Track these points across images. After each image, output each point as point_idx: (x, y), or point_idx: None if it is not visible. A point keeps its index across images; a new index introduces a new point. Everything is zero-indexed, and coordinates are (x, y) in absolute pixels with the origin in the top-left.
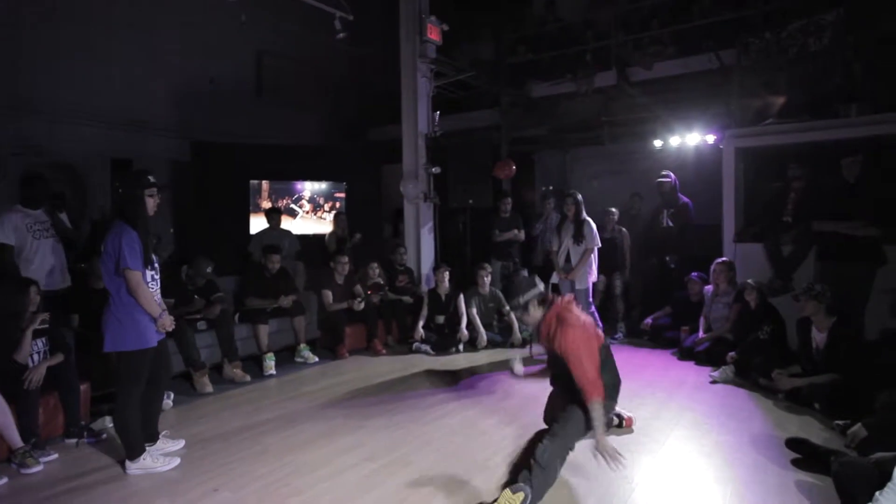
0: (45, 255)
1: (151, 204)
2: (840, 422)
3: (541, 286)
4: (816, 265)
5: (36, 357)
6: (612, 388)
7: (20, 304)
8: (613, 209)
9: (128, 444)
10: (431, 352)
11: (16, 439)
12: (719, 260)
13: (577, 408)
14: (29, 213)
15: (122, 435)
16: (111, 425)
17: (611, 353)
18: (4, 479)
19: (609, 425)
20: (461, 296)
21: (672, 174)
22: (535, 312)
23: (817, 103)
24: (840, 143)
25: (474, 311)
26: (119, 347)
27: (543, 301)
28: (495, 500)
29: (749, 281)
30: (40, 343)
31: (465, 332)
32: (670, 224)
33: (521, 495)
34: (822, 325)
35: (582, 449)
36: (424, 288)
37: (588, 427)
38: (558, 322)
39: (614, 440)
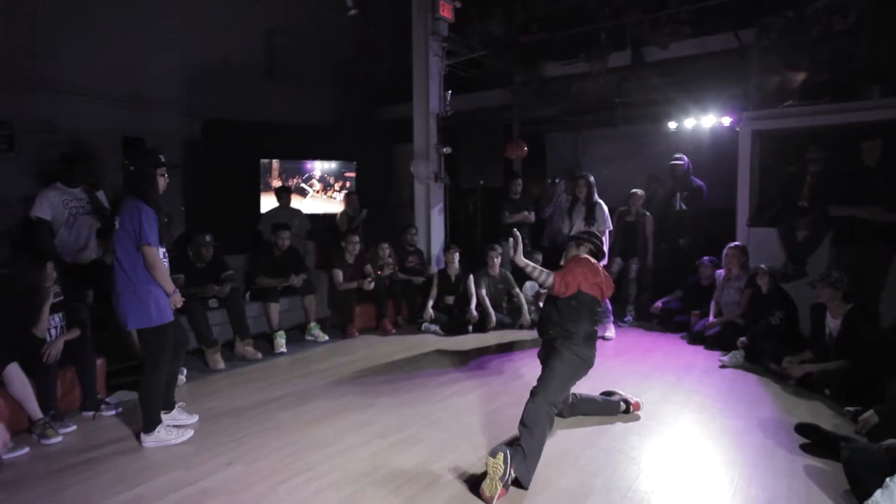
0: (80, 231)
1: (162, 183)
2: (851, 408)
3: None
4: (831, 251)
5: (53, 332)
6: (588, 337)
7: (37, 279)
8: (639, 191)
9: (147, 416)
10: (441, 332)
11: (36, 411)
12: (732, 244)
13: (555, 365)
14: (67, 191)
15: (145, 406)
16: (128, 398)
17: (598, 309)
18: (26, 449)
19: (615, 412)
20: (471, 277)
21: (685, 157)
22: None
23: (839, 85)
24: (861, 126)
25: (484, 292)
26: (143, 325)
27: (591, 252)
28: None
29: (762, 266)
30: (57, 318)
31: (475, 312)
32: (683, 207)
33: (500, 456)
34: (836, 312)
35: (592, 429)
36: (434, 269)
37: (569, 382)
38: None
39: (621, 425)
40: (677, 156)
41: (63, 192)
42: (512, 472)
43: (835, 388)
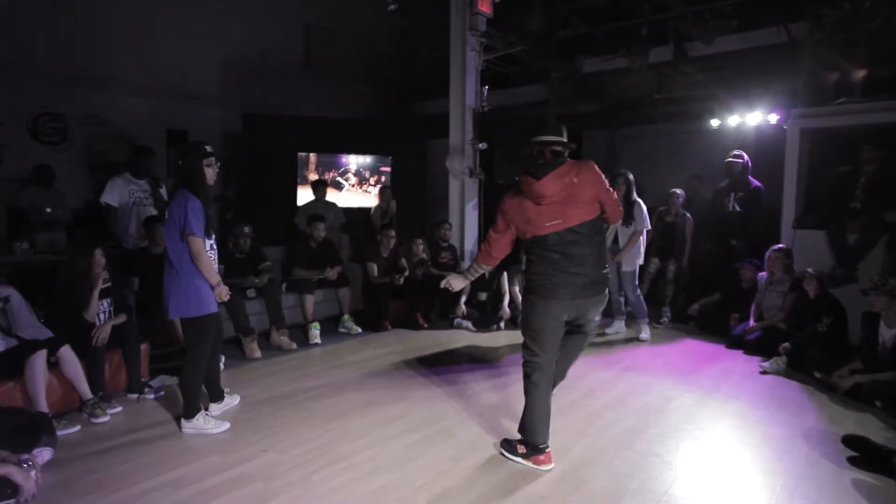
0: (141, 221)
1: (210, 174)
2: None
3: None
4: (886, 256)
5: (102, 316)
6: (535, 273)
7: (87, 265)
8: (679, 191)
9: (187, 403)
10: (473, 328)
11: (86, 391)
12: (775, 247)
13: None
14: (134, 181)
15: (186, 393)
16: (169, 383)
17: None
18: (77, 427)
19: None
20: (504, 273)
21: (745, 154)
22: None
23: None
24: None
25: (517, 288)
26: (184, 314)
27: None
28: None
29: (809, 269)
30: (105, 303)
31: (507, 309)
32: (737, 209)
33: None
34: (892, 322)
35: (627, 431)
36: (467, 264)
37: (528, 320)
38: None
39: (657, 429)
40: (735, 152)
41: (130, 181)
42: (508, 454)
43: (887, 400)
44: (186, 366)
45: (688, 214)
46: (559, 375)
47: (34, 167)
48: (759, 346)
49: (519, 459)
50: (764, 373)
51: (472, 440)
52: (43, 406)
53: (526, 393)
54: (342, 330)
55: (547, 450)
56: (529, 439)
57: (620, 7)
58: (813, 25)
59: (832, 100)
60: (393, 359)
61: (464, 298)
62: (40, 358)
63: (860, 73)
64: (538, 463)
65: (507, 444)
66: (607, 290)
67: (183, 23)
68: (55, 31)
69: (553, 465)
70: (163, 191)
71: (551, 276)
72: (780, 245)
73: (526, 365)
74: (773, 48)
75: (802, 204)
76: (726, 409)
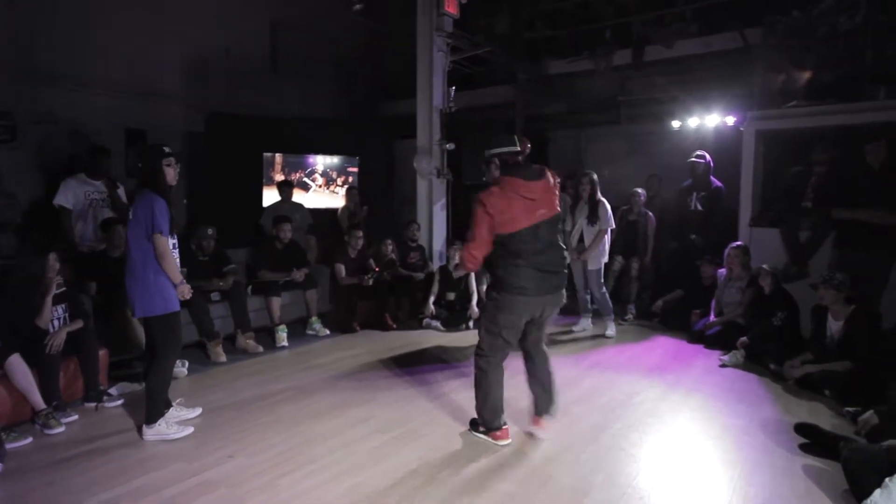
0: (97, 223)
1: (171, 174)
2: (851, 409)
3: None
4: (834, 252)
5: (56, 323)
6: (500, 278)
7: (39, 269)
8: (640, 190)
9: (152, 407)
10: (442, 328)
11: (39, 401)
12: (734, 244)
13: (482, 311)
14: (89, 182)
15: (151, 396)
16: (129, 390)
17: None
18: (29, 439)
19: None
20: (472, 273)
21: (707, 154)
22: (494, 173)
23: (844, 85)
24: (866, 127)
25: (485, 288)
26: (149, 313)
27: (506, 163)
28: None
29: (764, 266)
30: (60, 309)
31: (476, 309)
32: (699, 208)
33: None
34: (839, 314)
35: (593, 427)
36: (436, 265)
37: (494, 316)
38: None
39: (622, 423)
40: (698, 153)
41: (86, 183)
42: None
43: (835, 388)
44: (154, 366)
45: (650, 213)
46: (542, 359)
47: None
48: (718, 341)
49: (480, 436)
50: (723, 366)
51: (440, 440)
52: None
53: (480, 385)
54: (310, 332)
55: (504, 426)
56: (487, 426)
57: (585, 10)
58: (766, 31)
59: (785, 103)
60: (362, 360)
61: (432, 299)
62: None
63: (808, 77)
64: (496, 438)
65: (473, 423)
66: (564, 290)
67: (145, 18)
68: (4, 25)
69: (510, 440)
70: (120, 192)
71: (521, 273)
72: (739, 243)
73: (482, 358)
74: (730, 52)
75: (759, 203)
76: (688, 402)
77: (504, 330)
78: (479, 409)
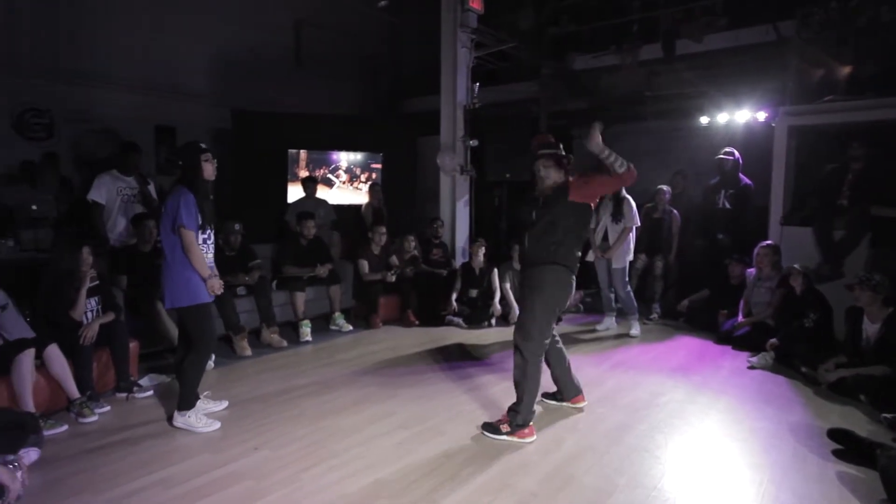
0: (128, 218)
1: (210, 169)
2: (889, 415)
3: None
4: (870, 252)
5: (90, 315)
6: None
7: (74, 263)
8: (665, 187)
9: (184, 395)
10: (464, 325)
11: (74, 391)
12: (764, 243)
13: (525, 304)
14: (121, 178)
15: (184, 384)
16: (159, 381)
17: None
18: (65, 427)
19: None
20: (495, 270)
21: (736, 152)
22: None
23: (884, 78)
24: None
25: (508, 285)
26: (175, 304)
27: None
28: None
29: (795, 266)
30: (93, 301)
31: (498, 306)
32: (727, 206)
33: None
34: (875, 317)
35: (617, 427)
36: (459, 261)
37: (552, 294)
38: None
39: (647, 424)
40: (727, 149)
41: (118, 178)
42: (492, 435)
43: (871, 393)
44: (189, 356)
45: (674, 211)
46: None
47: (20, 164)
48: (747, 342)
49: (504, 437)
50: (752, 368)
51: (462, 437)
52: (29, 406)
53: (530, 377)
54: (333, 327)
55: (531, 423)
56: (523, 421)
57: (611, 4)
58: (800, 24)
59: (819, 98)
60: (384, 356)
61: (455, 296)
62: (27, 357)
63: (846, 71)
64: (523, 436)
65: (489, 427)
66: None
67: (172, 18)
68: (41, 27)
69: (536, 437)
70: (150, 188)
71: (575, 252)
72: (769, 242)
73: (532, 342)
74: (761, 46)
75: (790, 201)
76: (715, 405)
77: (558, 308)
78: (525, 402)
